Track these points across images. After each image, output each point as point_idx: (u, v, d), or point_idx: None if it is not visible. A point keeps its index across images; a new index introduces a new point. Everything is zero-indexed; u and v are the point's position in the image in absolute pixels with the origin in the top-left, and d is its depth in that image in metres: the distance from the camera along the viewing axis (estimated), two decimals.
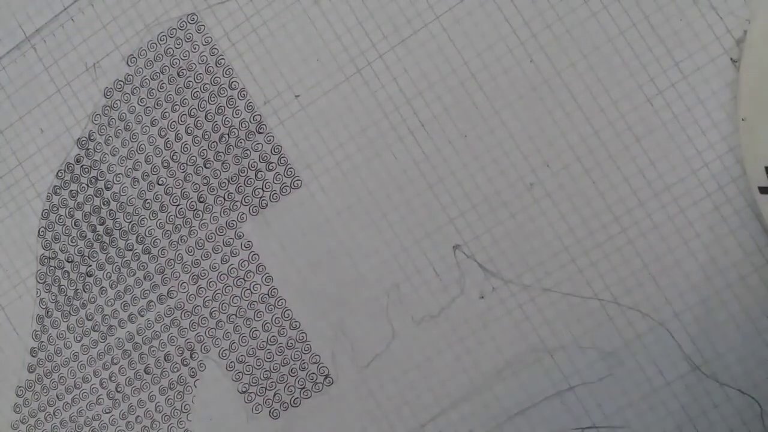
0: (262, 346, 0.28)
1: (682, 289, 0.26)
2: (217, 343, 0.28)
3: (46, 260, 0.29)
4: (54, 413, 0.30)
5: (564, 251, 0.26)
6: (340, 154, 0.28)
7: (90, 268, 0.29)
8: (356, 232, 0.28)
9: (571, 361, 0.26)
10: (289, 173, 0.28)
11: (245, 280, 0.28)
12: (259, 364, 0.28)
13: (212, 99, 0.28)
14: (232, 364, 0.28)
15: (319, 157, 0.28)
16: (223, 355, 0.28)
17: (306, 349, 0.28)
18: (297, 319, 0.28)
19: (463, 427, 0.27)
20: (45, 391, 0.30)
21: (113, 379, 0.29)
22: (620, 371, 0.26)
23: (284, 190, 0.28)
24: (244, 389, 0.28)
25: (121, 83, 0.29)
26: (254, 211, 0.28)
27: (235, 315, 0.28)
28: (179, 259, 0.29)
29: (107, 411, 0.29)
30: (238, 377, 0.28)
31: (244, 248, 0.28)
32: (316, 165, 0.28)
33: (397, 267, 0.27)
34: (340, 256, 0.28)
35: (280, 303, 0.28)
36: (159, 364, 0.29)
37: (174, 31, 0.28)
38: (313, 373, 0.28)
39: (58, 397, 0.30)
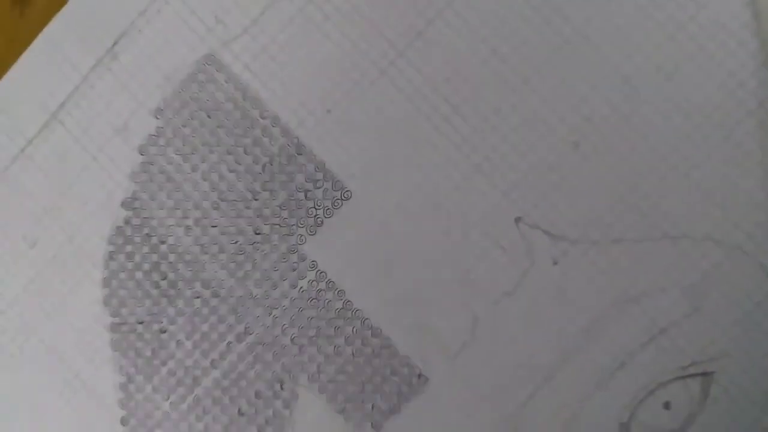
0: (348, 360, 0.29)
1: (749, 209, 0.27)
2: (304, 368, 0.29)
3: (117, 327, 0.30)
4: None
5: (621, 200, 0.28)
6: (381, 156, 0.29)
7: (162, 324, 0.30)
8: (415, 228, 0.29)
9: (656, 305, 0.28)
10: (336, 186, 0.29)
11: (318, 300, 0.29)
12: (350, 379, 0.29)
13: (247, 132, 0.29)
14: (324, 385, 0.29)
15: (362, 165, 0.29)
16: (313, 378, 0.29)
17: (393, 353, 0.29)
18: (377, 326, 0.29)
19: (565, 395, 0.28)
20: None
21: (209, 429, 0.30)
22: (707, 304, 0.27)
23: (336, 204, 0.29)
24: (341, 408, 0.29)
25: (155, 137, 0.30)
26: (311, 230, 0.29)
27: (316, 336, 0.29)
28: (249, 294, 0.30)
29: None
30: (332, 397, 0.29)
31: (310, 269, 0.29)
32: (361, 172, 0.29)
33: (463, 253, 0.28)
34: (405, 255, 0.29)
35: (357, 314, 0.29)
36: (251, 403, 0.30)
37: (195, 75, 0.30)
38: (407, 375, 0.29)
39: None
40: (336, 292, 0.29)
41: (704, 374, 0.27)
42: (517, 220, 0.28)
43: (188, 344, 0.30)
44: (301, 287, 0.30)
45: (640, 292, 0.28)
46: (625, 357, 0.28)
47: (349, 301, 0.29)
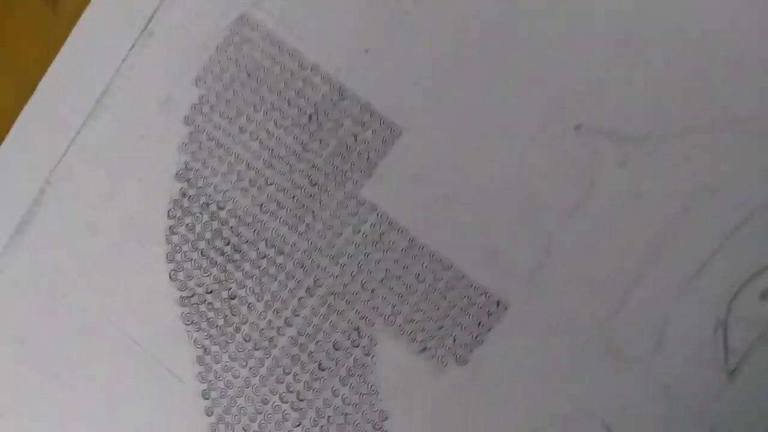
0: (423, 298, 0.29)
1: None
2: (378, 311, 0.29)
3: (186, 301, 0.30)
4: None
5: (682, 89, 0.27)
6: (426, 88, 0.28)
7: (231, 290, 0.30)
8: (471, 153, 0.28)
9: (736, 191, 0.26)
10: (385, 125, 0.29)
11: (382, 242, 0.29)
12: (427, 317, 0.29)
13: (289, 85, 0.29)
14: (401, 327, 0.29)
15: (408, 100, 0.29)
16: (389, 321, 0.29)
17: (467, 284, 0.28)
18: (447, 259, 0.28)
19: (654, 300, 0.27)
20: (230, 428, 0.30)
21: (291, 389, 0.30)
22: None
23: (387, 143, 0.29)
24: (422, 348, 0.29)
25: (198, 106, 0.30)
26: (367, 173, 0.29)
27: (386, 278, 0.29)
28: (314, 247, 0.29)
29: (297, 424, 0.30)
30: (411, 338, 0.29)
31: (370, 211, 0.29)
32: (409, 107, 0.29)
33: (525, 170, 0.28)
34: (465, 183, 0.28)
35: (424, 250, 0.29)
36: (331, 356, 0.29)
37: (230, 38, 0.30)
38: (484, 305, 0.28)
39: (245, 429, 0.30)
40: (399, 231, 0.29)
41: None
42: (577, 127, 0.27)
43: (259, 306, 0.30)
44: (364, 232, 0.29)
45: (718, 181, 0.26)
46: (711, 250, 0.26)
47: (413, 238, 0.29)
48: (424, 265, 0.29)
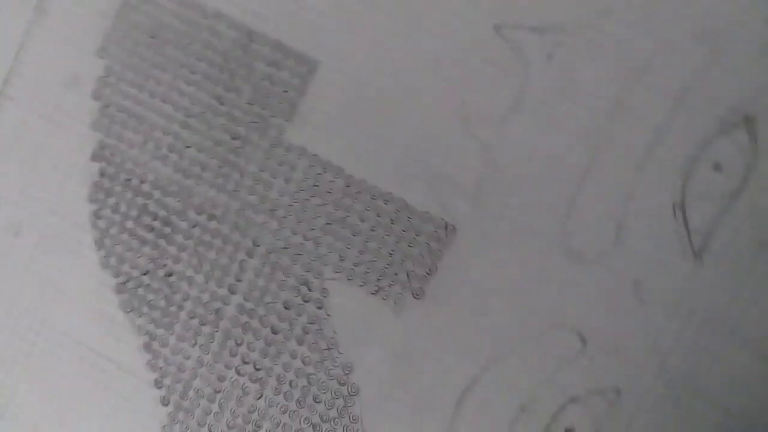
0: (369, 237, 0.27)
1: None
2: (325, 260, 0.27)
3: (122, 287, 0.28)
4: (210, 430, 0.28)
5: None
6: (336, 16, 0.27)
7: (167, 267, 0.28)
8: (394, 76, 0.27)
9: (672, 64, 0.25)
10: (301, 62, 0.27)
11: (319, 186, 0.27)
12: (376, 256, 0.27)
13: (194, 39, 0.28)
14: (351, 271, 0.27)
15: (320, 31, 0.27)
16: (338, 267, 0.27)
17: (412, 213, 0.27)
18: (387, 191, 0.27)
19: (608, 189, 0.25)
20: (190, 414, 0.28)
21: (247, 360, 0.28)
22: (724, 43, 0.25)
23: (305, 79, 0.27)
24: (375, 289, 0.27)
25: (105, 78, 0.28)
26: (288, 116, 0.27)
27: (327, 223, 0.27)
28: (246, 204, 0.28)
29: (258, 396, 0.28)
30: (364, 280, 0.27)
31: (299, 156, 0.27)
32: (322, 38, 0.27)
33: (451, 84, 0.26)
34: (391, 108, 0.27)
35: (362, 186, 0.27)
36: (282, 317, 0.27)
37: (127, 1, 0.28)
38: (432, 231, 0.27)
39: (205, 412, 0.28)
40: (334, 173, 0.27)
41: (746, 119, 0.25)
42: (497, 27, 0.26)
43: (199, 278, 0.28)
44: (297, 179, 0.27)
45: (649, 55, 0.25)
46: (657, 128, 0.25)
47: (351, 175, 0.27)
48: (366, 202, 0.27)
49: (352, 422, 0.27)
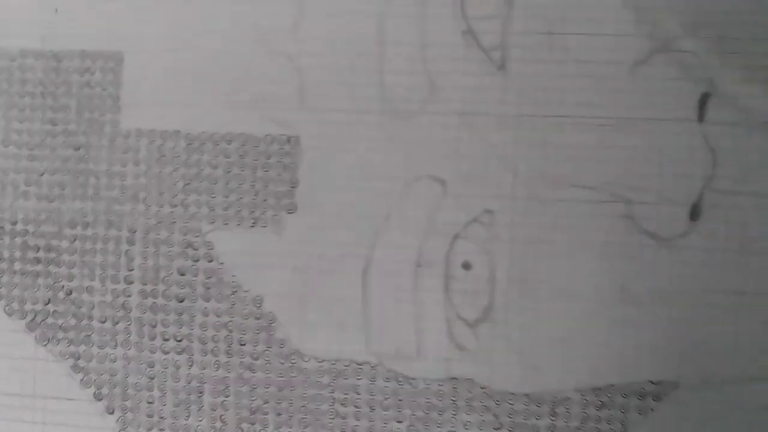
0: (227, 179, 0.29)
1: None
2: (197, 218, 0.29)
3: (32, 324, 0.30)
4: (161, 416, 0.29)
5: None
6: (128, 10, 0.30)
7: (65, 287, 0.30)
8: (188, 35, 0.29)
9: None
10: (107, 59, 0.30)
11: (165, 155, 0.29)
12: (240, 193, 0.29)
13: (10, 82, 0.30)
14: (224, 215, 0.29)
15: (114, 28, 0.30)
16: (212, 219, 0.29)
17: (256, 141, 0.29)
18: (226, 132, 0.29)
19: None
20: (137, 411, 0.29)
21: (167, 336, 0.29)
22: None
23: (117, 72, 0.30)
24: (252, 222, 0.29)
25: None
26: (115, 109, 0.30)
27: (185, 184, 0.29)
28: (111, 199, 0.29)
29: (190, 364, 0.29)
30: (239, 219, 0.29)
31: (139, 139, 0.29)
32: (117, 34, 0.30)
33: (241, 9, 0.29)
34: (199, 61, 0.29)
35: (203, 138, 0.29)
36: (182, 284, 0.29)
37: None
38: (281, 148, 0.29)
39: (149, 402, 0.29)
40: (173, 136, 0.29)
41: None
42: None
43: (97, 284, 0.29)
44: (142, 158, 0.29)
45: None
46: None
47: (188, 133, 0.29)
48: (210, 150, 0.29)
49: (281, 347, 0.28)
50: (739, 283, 0.27)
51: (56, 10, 0.30)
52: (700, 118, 0.27)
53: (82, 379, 0.29)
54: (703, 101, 0.27)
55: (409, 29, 0.28)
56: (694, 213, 0.27)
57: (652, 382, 0.27)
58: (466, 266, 0.28)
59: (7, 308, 0.30)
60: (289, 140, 0.29)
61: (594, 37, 0.27)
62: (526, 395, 0.27)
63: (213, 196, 0.29)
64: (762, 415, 0.27)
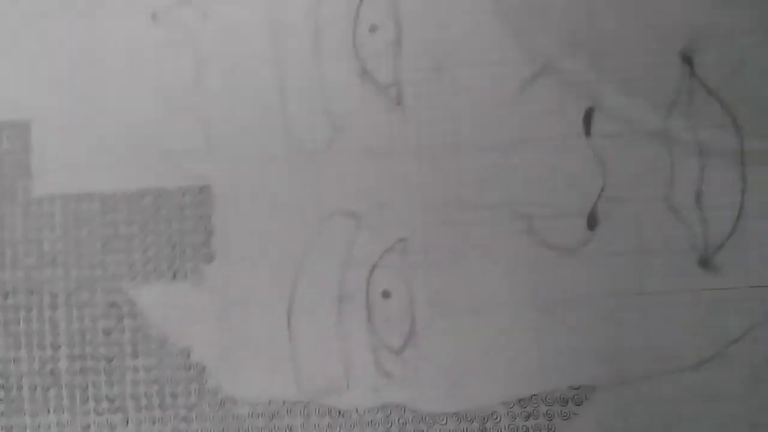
0: (144, 234, 0.29)
1: None
2: (117, 276, 0.29)
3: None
4: None
5: None
6: (26, 77, 0.30)
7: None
8: (85, 93, 0.30)
9: None
10: (13, 128, 0.30)
11: (80, 217, 0.30)
12: (158, 247, 0.29)
13: None
14: (144, 271, 0.29)
15: (19, 98, 0.30)
16: (132, 275, 0.29)
17: (168, 194, 0.30)
18: (138, 188, 0.30)
19: None
20: None
21: (99, 397, 0.29)
22: None
23: (26, 139, 0.30)
24: (172, 275, 0.29)
25: None
26: (26, 176, 0.30)
27: (103, 245, 0.29)
28: (28, 267, 0.30)
29: (126, 421, 0.29)
30: (158, 273, 0.29)
31: (53, 203, 0.30)
32: (23, 102, 0.30)
33: (140, 66, 0.30)
34: (103, 121, 0.30)
35: (116, 198, 0.30)
36: (109, 343, 0.29)
37: None
38: (193, 199, 0.29)
39: None
40: (87, 198, 0.30)
41: None
42: (153, 16, 0.30)
43: (22, 353, 0.29)
44: (60, 221, 0.30)
45: None
46: None
47: (101, 193, 0.30)
48: (124, 208, 0.30)
49: (213, 396, 0.29)
50: (640, 283, 0.29)
51: None
52: (587, 132, 0.29)
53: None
54: (588, 116, 0.29)
55: (306, 73, 0.29)
56: (591, 222, 0.29)
57: (572, 387, 0.28)
58: (386, 294, 0.29)
59: None
60: (200, 190, 0.29)
61: (480, 67, 0.29)
62: (455, 414, 0.29)
63: (131, 253, 0.30)
64: (675, 406, 0.28)
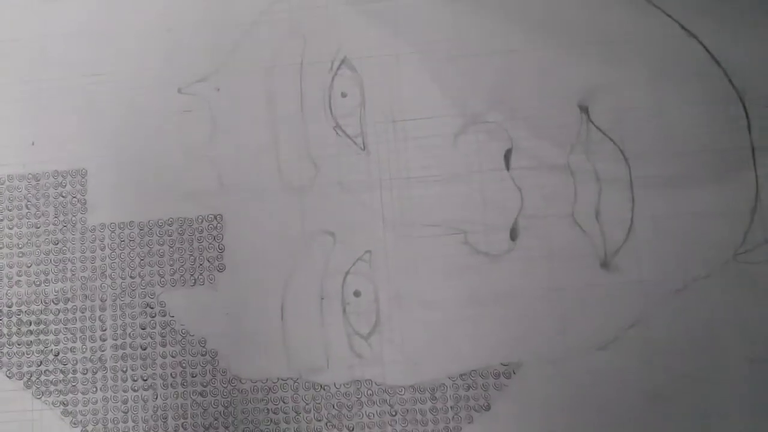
0: (172, 251, 0.39)
1: None
2: (151, 284, 0.39)
3: (29, 382, 0.38)
4: None
5: None
6: (78, 133, 0.40)
7: (53, 350, 0.39)
8: (142, 145, 0.40)
9: None
10: (74, 174, 0.40)
11: (124, 240, 0.39)
12: (182, 261, 0.39)
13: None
14: (172, 280, 0.39)
15: (74, 150, 0.40)
16: (162, 283, 0.39)
17: (190, 222, 0.39)
18: (167, 217, 0.39)
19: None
20: None
21: (135, 377, 0.38)
22: None
23: (84, 183, 0.40)
24: (192, 282, 0.38)
25: None
26: (83, 210, 0.40)
27: (140, 259, 0.39)
28: (84, 279, 0.39)
29: (155, 397, 0.38)
30: (183, 282, 0.39)
31: (101, 230, 0.39)
32: (79, 153, 0.40)
33: (164, 128, 0.40)
34: (145, 166, 0.40)
35: (152, 224, 0.39)
36: (145, 335, 0.38)
37: None
38: (209, 224, 0.39)
39: None
40: (128, 226, 0.39)
41: None
42: (180, 89, 0.40)
43: (78, 345, 0.39)
44: (108, 244, 0.39)
45: None
46: None
47: (140, 222, 0.39)
48: (158, 232, 0.39)
49: (222, 374, 0.38)
50: (554, 282, 0.37)
51: (33, 143, 0.41)
52: (507, 167, 0.38)
53: (71, 421, 0.38)
54: (508, 155, 0.38)
55: (294, 129, 0.39)
56: (513, 235, 0.38)
57: (503, 363, 0.37)
58: (357, 294, 0.38)
59: (8, 373, 0.39)
60: (215, 218, 0.39)
61: (424, 120, 0.39)
62: (412, 386, 0.37)
63: (162, 266, 0.39)
64: (585, 377, 0.36)
